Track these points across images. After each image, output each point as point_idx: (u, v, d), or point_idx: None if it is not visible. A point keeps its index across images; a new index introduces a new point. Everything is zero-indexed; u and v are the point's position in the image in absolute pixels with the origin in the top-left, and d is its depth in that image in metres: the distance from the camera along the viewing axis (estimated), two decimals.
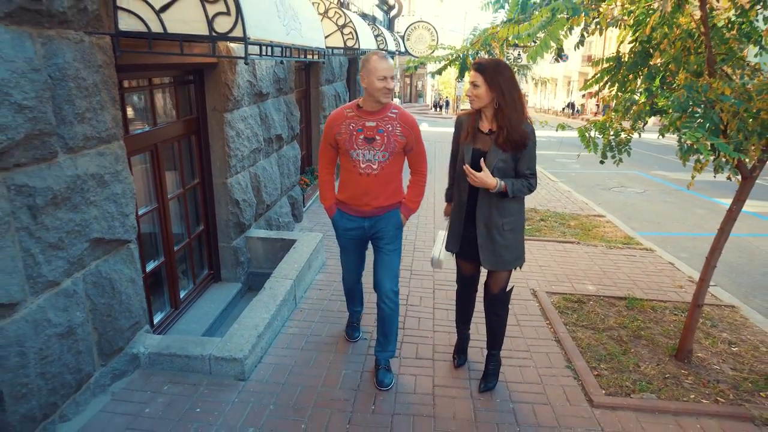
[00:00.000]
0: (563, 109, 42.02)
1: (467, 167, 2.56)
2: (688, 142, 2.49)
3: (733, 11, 2.79)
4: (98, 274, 2.71)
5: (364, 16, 10.57)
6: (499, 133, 2.58)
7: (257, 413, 2.68)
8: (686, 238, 7.07)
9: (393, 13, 16.06)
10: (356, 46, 6.14)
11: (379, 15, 13.83)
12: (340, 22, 6.05)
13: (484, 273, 2.96)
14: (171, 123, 3.83)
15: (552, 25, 2.36)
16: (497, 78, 2.52)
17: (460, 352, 3.28)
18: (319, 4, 6.03)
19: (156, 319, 3.69)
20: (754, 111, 2.78)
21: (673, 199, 9.74)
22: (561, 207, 7.96)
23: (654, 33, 3.05)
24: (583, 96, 33.18)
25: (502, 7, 3.75)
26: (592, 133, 3.75)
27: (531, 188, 2.65)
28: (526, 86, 46.90)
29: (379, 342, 3.08)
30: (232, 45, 3.94)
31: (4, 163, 2.08)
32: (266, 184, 5.20)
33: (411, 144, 2.89)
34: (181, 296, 4.08)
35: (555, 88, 47.39)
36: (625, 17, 3.21)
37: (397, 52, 13.11)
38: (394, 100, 21.22)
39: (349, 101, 6.69)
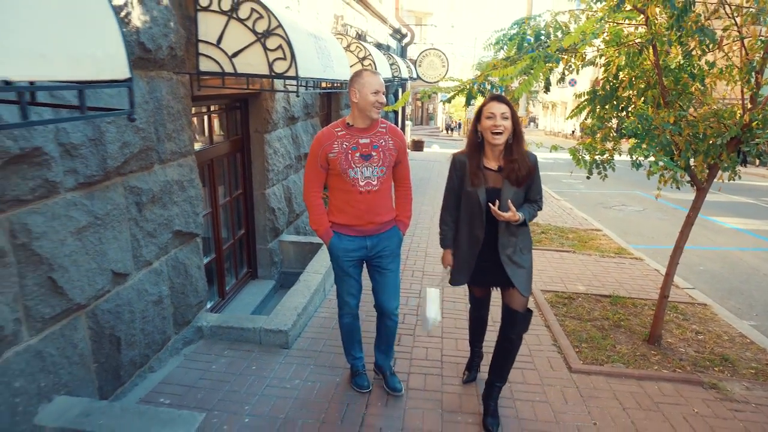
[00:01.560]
0: (573, 132, 42.74)
1: (495, 210, 2.54)
2: (641, 158, 3.19)
3: (680, 57, 3.51)
4: (176, 259, 3.44)
5: (379, 46, 11.45)
6: (512, 168, 2.62)
7: (300, 370, 3.37)
8: None
9: (405, 41, 17.00)
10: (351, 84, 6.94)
11: (393, 44, 14.74)
12: (361, 55, 6.87)
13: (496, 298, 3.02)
14: (222, 142, 4.60)
15: (533, 69, 3.09)
16: (515, 111, 2.60)
17: (472, 369, 3.32)
18: (342, 39, 6.86)
19: (207, 306, 4.41)
20: (701, 135, 3.50)
21: (668, 216, 10.36)
22: (561, 222, 8.62)
23: (620, 72, 3.78)
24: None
25: (502, 48, 4.50)
26: (582, 153, 4.43)
27: (540, 209, 2.78)
28: (534, 109, 47.77)
29: (382, 351, 3.20)
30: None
31: (123, 170, 2.83)
32: (296, 195, 5.95)
33: (400, 156, 2.91)
34: (227, 289, 4.80)
35: (564, 111, 48.20)
36: (598, 59, 3.94)
37: (410, 78, 13.98)
38: (407, 122, 21.99)
39: None
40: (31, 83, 1.28)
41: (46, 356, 2.34)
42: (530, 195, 2.73)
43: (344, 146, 2.74)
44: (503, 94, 5.29)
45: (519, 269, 2.72)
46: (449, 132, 41.67)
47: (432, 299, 2.98)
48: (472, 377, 3.30)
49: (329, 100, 8.54)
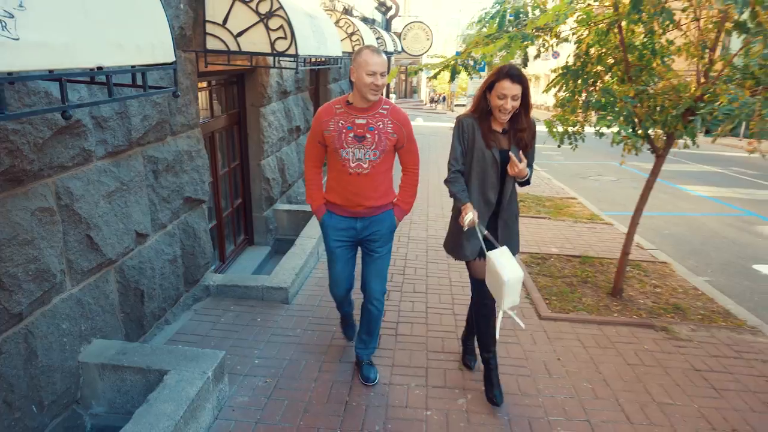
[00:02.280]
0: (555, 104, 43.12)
1: (513, 158, 2.52)
2: (605, 128, 3.59)
3: (642, 35, 3.89)
4: (186, 223, 3.78)
5: (365, 20, 11.61)
6: (519, 137, 2.66)
7: (300, 322, 3.77)
8: (644, 217, 8.04)
9: (390, 13, 17.08)
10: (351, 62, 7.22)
11: (378, 17, 14.86)
12: (349, 30, 7.12)
13: None
14: (221, 116, 4.89)
15: (509, 49, 3.44)
16: (528, 87, 2.59)
17: (494, 385, 2.92)
18: (331, 14, 7.09)
19: (212, 268, 4.77)
20: (659, 107, 3.90)
21: (641, 185, 10.83)
22: (539, 191, 9.07)
23: (590, 49, 4.14)
24: None
25: (484, 26, 4.82)
26: (556, 125, 4.82)
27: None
28: None
29: (362, 340, 3.11)
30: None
31: (143, 141, 3.15)
32: (288, 166, 6.28)
33: (402, 141, 2.78)
34: (227, 254, 5.15)
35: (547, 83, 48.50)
36: (571, 37, 4.29)
37: (395, 52, 14.17)
38: (391, 96, 22.15)
39: None
40: (100, 68, 1.61)
41: (85, 304, 2.69)
42: (528, 160, 2.70)
43: (340, 124, 2.67)
44: (483, 70, 5.62)
45: (513, 234, 2.81)
46: (434, 105, 41.83)
47: (501, 259, 2.55)
48: (498, 397, 2.88)
49: (317, 74, 8.78)
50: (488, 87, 2.60)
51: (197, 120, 3.85)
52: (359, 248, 3.00)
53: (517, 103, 2.55)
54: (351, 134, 2.67)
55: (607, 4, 3.76)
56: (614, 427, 2.73)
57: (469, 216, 2.55)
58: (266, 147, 5.53)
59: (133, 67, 1.71)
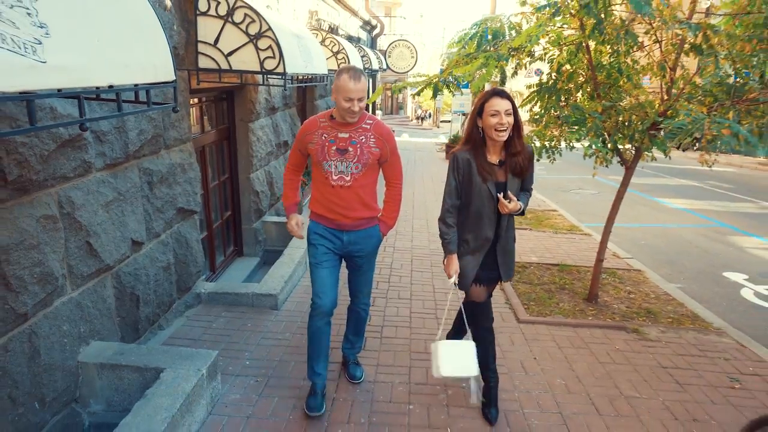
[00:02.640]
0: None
1: (503, 200, 2.55)
2: (574, 141, 3.84)
3: (609, 55, 4.16)
4: (179, 233, 3.94)
5: (350, 38, 11.92)
6: (514, 161, 2.61)
7: (290, 326, 3.92)
8: (623, 228, 8.45)
9: (375, 32, 17.47)
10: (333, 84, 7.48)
11: (363, 35, 15.21)
12: (335, 49, 7.38)
13: None
14: (212, 131, 5.08)
15: (486, 68, 3.68)
16: (515, 104, 2.57)
17: (492, 405, 2.94)
18: (317, 34, 7.34)
19: (203, 277, 4.91)
20: (626, 122, 4.16)
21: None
22: None
23: (561, 68, 4.41)
24: None
25: (464, 47, 5.08)
26: (534, 140, 5.06)
27: (530, 196, 2.83)
28: None
29: (349, 341, 3.26)
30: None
31: (138, 154, 3.32)
32: (277, 179, 6.46)
33: (386, 156, 2.82)
34: (217, 264, 5.30)
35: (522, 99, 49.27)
36: (545, 57, 4.56)
37: (380, 69, 14.49)
38: (377, 113, 22.50)
39: None
40: (110, 86, 1.79)
41: (84, 307, 2.84)
42: (525, 184, 2.74)
43: (323, 138, 2.73)
44: (466, 87, 5.85)
45: (508, 259, 2.80)
46: (420, 122, 42.36)
47: (439, 355, 2.69)
48: (494, 415, 2.90)
49: (304, 91, 9.02)
50: (478, 113, 2.59)
51: (189, 134, 4.03)
52: (343, 261, 3.01)
53: (511, 119, 2.51)
54: (334, 147, 2.72)
55: (574, 26, 4.02)
56: (584, 419, 2.92)
57: (452, 279, 2.68)
58: (255, 161, 5.71)
59: (136, 85, 1.90)
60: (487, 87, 4.55)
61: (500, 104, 2.50)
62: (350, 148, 2.73)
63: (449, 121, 26.93)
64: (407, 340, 3.79)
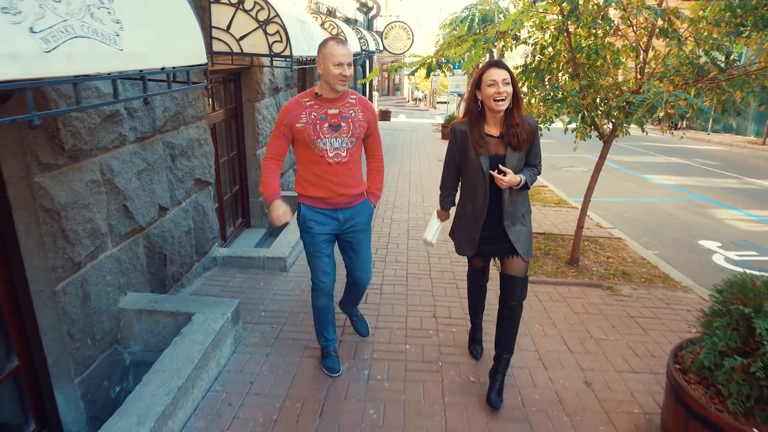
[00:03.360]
0: None
1: (496, 175, 2.54)
2: (554, 117, 4.24)
3: (586, 38, 4.54)
4: (196, 201, 4.35)
5: (347, 20, 12.20)
6: (513, 133, 2.58)
7: (298, 284, 4.37)
8: (609, 202, 8.91)
9: (372, 13, 17.66)
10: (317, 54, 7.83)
11: (360, 17, 15.44)
12: (334, 32, 7.71)
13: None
14: (221, 110, 5.46)
15: (474, 49, 4.07)
16: (513, 75, 2.55)
17: (477, 343, 3.37)
18: (317, 17, 7.67)
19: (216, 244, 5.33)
20: (603, 100, 4.56)
21: (610, 176, 11.60)
22: None
23: (544, 50, 4.79)
24: None
25: (455, 29, 5.45)
26: None
27: (539, 173, 2.78)
28: None
29: (350, 303, 3.44)
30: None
31: (163, 129, 3.72)
32: None
33: (371, 129, 2.88)
34: (227, 234, 5.72)
35: None
36: (529, 40, 4.93)
37: (377, 50, 14.77)
38: (374, 93, 22.66)
39: None
40: (162, 68, 2.19)
41: (122, 262, 3.26)
42: (530, 159, 2.71)
43: (312, 116, 2.69)
44: (458, 68, 6.22)
45: (521, 236, 2.74)
46: (417, 102, 42.57)
47: (431, 225, 3.09)
48: (480, 351, 3.32)
49: (304, 73, 9.35)
50: (476, 85, 2.59)
51: (204, 112, 4.42)
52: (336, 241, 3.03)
53: (509, 89, 2.50)
54: (326, 125, 2.70)
55: (553, 12, 4.40)
56: (557, 355, 3.38)
57: (432, 216, 3.08)
58: (261, 138, 6.10)
59: (174, 67, 2.30)
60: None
61: (497, 74, 2.48)
62: (343, 124, 2.73)
63: (446, 102, 27.23)
64: (404, 295, 4.24)
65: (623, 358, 3.38)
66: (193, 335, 2.92)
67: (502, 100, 2.50)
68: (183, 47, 2.24)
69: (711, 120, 22.98)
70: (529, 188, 2.69)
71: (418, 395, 2.93)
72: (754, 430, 1.88)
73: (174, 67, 2.30)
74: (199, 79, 3.37)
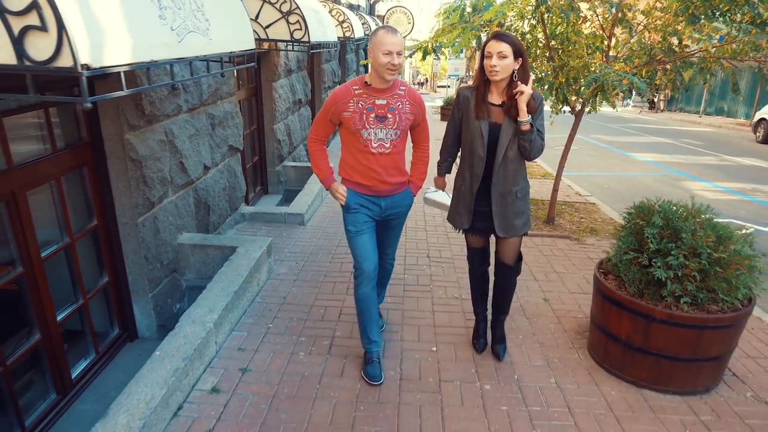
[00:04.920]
0: None
1: (520, 85, 2.54)
2: None
3: (558, 26, 5.33)
4: (229, 165, 5.19)
5: (350, 6, 12.91)
6: (512, 105, 2.59)
7: (314, 235, 5.22)
8: (593, 176, 9.74)
9: None
10: (352, 36, 8.59)
11: (362, 2, 16.11)
12: (341, 18, 8.48)
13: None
14: (244, 89, 6.27)
15: (462, 36, 4.86)
16: (521, 48, 2.53)
17: (480, 336, 3.27)
18: (325, 5, 8.43)
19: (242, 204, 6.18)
20: (573, 79, 5.35)
21: (597, 153, 12.43)
22: None
23: (524, 36, 5.58)
24: None
25: (448, 17, 6.22)
26: None
27: (540, 143, 2.69)
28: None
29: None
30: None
31: (206, 102, 4.53)
32: (293, 131, 7.67)
33: (418, 120, 2.87)
34: (250, 197, 6.57)
35: None
36: (511, 27, 5.71)
37: None
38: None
39: (341, 76, 8.91)
40: (231, 52, 3.00)
41: (179, 207, 4.11)
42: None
43: (360, 106, 2.69)
44: (463, 52, 7.00)
45: (505, 212, 2.79)
46: (419, 86, 43.19)
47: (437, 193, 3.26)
48: (482, 345, 3.25)
49: (312, 56, 10.13)
50: (482, 55, 2.63)
51: (234, 90, 5.24)
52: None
53: (505, 62, 2.51)
54: (372, 115, 2.69)
55: (529, 4, 5.18)
56: (525, 283, 4.23)
57: (431, 189, 3.24)
58: (277, 114, 6.92)
59: (231, 52, 3.11)
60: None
61: (493, 46, 2.51)
62: (389, 115, 2.72)
63: (447, 86, 27.88)
64: (428, 287, 5.10)
65: (577, 284, 4.24)
66: (240, 260, 3.78)
67: (496, 72, 2.53)
68: (241, 37, 3.05)
69: (703, 102, 23.77)
70: (531, 145, 2.63)
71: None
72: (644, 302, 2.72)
73: (231, 52, 3.12)
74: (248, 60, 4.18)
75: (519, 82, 2.57)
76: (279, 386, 2.81)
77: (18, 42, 1.52)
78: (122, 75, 1.87)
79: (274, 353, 3.12)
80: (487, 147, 2.69)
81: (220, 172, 4.90)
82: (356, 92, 2.73)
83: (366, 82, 2.73)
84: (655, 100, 26.76)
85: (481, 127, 2.68)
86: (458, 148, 2.97)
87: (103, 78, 2.68)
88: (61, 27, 1.50)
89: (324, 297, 3.86)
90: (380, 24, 17.26)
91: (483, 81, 2.69)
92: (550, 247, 5.15)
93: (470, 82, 3.12)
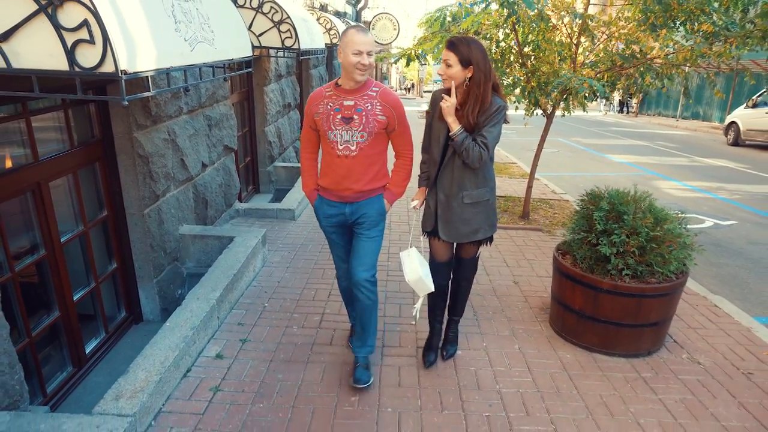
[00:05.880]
0: None
1: (444, 96, 2.57)
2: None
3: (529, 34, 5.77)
4: (223, 164, 5.55)
5: (337, 14, 13.32)
6: (463, 111, 2.58)
7: (304, 228, 5.60)
8: (569, 176, 10.22)
9: (360, 6, 18.75)
10: (338, 42, 9.01)
11: (349, 9, 16.54)
12: (328, 26, 8.88)
13: None
14: (237, 92, 6.64)
15: (442, 44, 5.27)
16: (470, 55, 2.48)
17: (431, 349, 3.15)
18: (313, 13, 8.83)
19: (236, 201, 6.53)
20: (544, 83, 5.80)
21: (575, 155, 12.96)
22: None
23: (499, 44, 6.02)
24: None
25: (430, 27, 6.65)
26: None
27: (479, 151, 2.57)
28: None
29: (357, 335, 3.01)
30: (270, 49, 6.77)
31: (204, 105, 4.90)
32: (283, 134, 8.05)
33: (393, 124, 2.74)
34: (243, 196, 6.92)
35: None
36: (486, 36, 6.15)
37: None
38: None
39: (328, 81, 9.26)
40: (231, 59, 3.38)
41: (180, 201, 4.46)
42: (474, 133, 2.63)
43: (329, 107, 2.66)
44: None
45: (448, 215, 2.78)
46: (406, 92, 43.79)
47: (407, 262, 2.86)
48: (431, 359, 3.11)
49: (301, 62, 10.52)
50: None
51: (228, 93, 5.61)
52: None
53: (451, 71, 2.53)
54: (338, 116, 2.64)
55: (502, 14, 5.62)
56: (497, 269, 4.64)
57: (414, 203, 2.93)
58: (268, 117, 7.29)
59: (232, 59, 3.49)
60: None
61: (444, 54, 2.57)
62: (355, 116, 2.64)
63: (431, 91, 28.51)
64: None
65: (545, 270, 4.66)
66: (237, 248, 4.14)
67: (444, 79, 2.60)
68: (240, 45, 3.43)
69: (680, 106, 24.56)
70: (465, 153, 2.58)
71: None
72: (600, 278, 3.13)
73: (234, 58, 3.50)
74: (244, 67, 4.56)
75: (444, 96, 2.61)
76: (275, 353, 3.18)
77: (70, 52, 1.90)
78: (149, 79, 2.25)
79: (270, 327, 3.50)
80: (441, 150, 2.74)
81: (216, 170, 5.26)
82: (327, 94, 2.72)
83: (337, 84, 2.71)
84: (633, 103, 27.71)
85: (440, 129, 2.74)
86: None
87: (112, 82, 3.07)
88: (105, 40, 1.87)
89: (314, 281, 4.24)
90: None
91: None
92: (523, 238, 5.57)
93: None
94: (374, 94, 2.69)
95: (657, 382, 3.01)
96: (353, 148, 2.68)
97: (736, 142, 15.09)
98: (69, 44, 1.88)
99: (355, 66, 2.54)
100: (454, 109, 2.58)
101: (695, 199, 8.49)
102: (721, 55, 4.79)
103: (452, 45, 2.54)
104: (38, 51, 1.90)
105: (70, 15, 1.88)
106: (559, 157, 12.52)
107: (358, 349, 3.00)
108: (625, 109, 28.68)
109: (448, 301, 3.21)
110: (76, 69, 1.91)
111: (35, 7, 1.86)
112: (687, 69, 5.50)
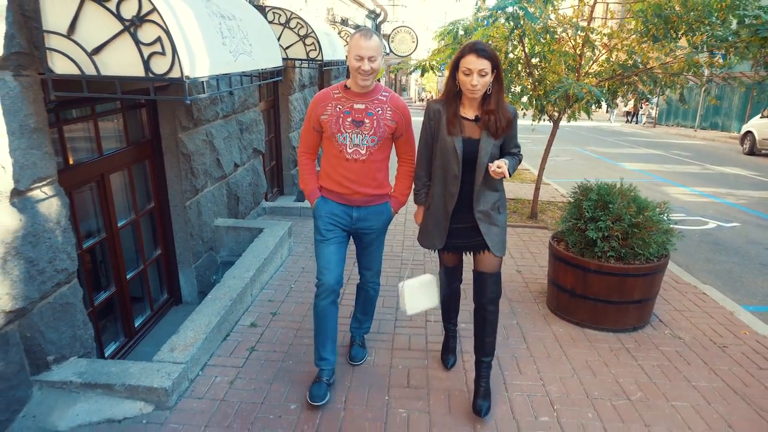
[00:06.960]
0: None
1: (494, 169, 2.37)
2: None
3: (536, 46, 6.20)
4: (253, 165, 6.07)
5: (357, 27, 13.91)
6: (490, 119, 2.46)
7: None
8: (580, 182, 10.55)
9: (379, 19, 19.37)
10: None
11: (369, 23, 17.16)
12: (348, 39, 9.43)
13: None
14: (264, 101, 7.18)
15: (453, 55, 5.73)
16: (499, 64, 2.41)
17: (450, 352, 3.17)
18: (334, 27, 9.38)
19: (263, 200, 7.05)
20: (550, 91, 6.21)
21: (588, 163, 13.27)
22: None
23: (508, 55, 6.45)
24: None
25: (443, 39, 7.12)
26: None
27: (520, 161, 2.66)
28: None
29: (357, 320, 3.20)
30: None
31: (237, 110, 5.42)
32: None
33: (401, 130, 2.74)
34: (269, 197, 7.44)
35: None
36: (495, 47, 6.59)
37: (385, 53, 16.45)
38: None
39: None
40: (264, 69, 3.88)
41: (215, 197, 4.97)
42: (507, 147, 2.61)
43: (337, 109, 2.63)
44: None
45: (493, 227, 2.60)
46: (424, 102, 44.48)
47: (406, 295, 2.89)
48: (452, 361, 3.14)
49: (323, 73, 11.09)
50: (454, 66, 2.46)
51: (257, 101, 6.14)
52: (350, 238, 2.92)
53: (485, 80, 2.38)
54: (349, 119, 2.62)
55: (510, 26, 6.07)
56: (504, 260, 5.03)
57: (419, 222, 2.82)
58: (292, 124, 7.82)
59: (265, 69, 4.00)
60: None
61: (474, 63, 2.34)
62: (366, 120, 2.63)
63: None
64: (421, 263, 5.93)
65: (547, 261, 5.04)
66: (266, 238, 4.63)
67: (477, 90, 2.40)
68: (272, 57, 3.94)
69: (698, 116, 24.63)
70: (509, 175, 2.46)
71: None
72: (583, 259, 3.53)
73: (267, 68, 4.01)
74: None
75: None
76: (302, 323, 3.64)
77: (146, 62, 2.39)
78: (204, 84, 2.75)
79: (296, 304, 3.96)
80: (462, 164, 2.52)
81: (246, 170, 5.78)
82: (335, 96, 2.68)
83: (345, 86, 2.68)
84: (642, 113, 27.92)
85: (455, 143, 2.51)
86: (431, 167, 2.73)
87: (164, 88, 3.59)
88: (174, 52, 2.37)
89: None
90: (385, 43, 18.30)
91: (455, 94, 2.54)
92: (529, 235, 5.96)
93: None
94: (384, 98, 2.70)
95: (638, 351, 3.38)
96: (363, 151, 2.67)
97: (752, 151, 15.24)
98: (146, 55, 2.38)
99: (356, 71, 2.54)
100: (505, 168, 2.39)
101: (702, 203, 8.76)
102: (712, 65, 5.15)
103: (484, 52, 2.36)
104: (121, 61, 2.40)
105: (147, 33, 2.38)
106: (572, 165, 12.85)
107: (356, 330, 3.27)
108: (635, 119, 28.76)
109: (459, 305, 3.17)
110: (150, 75, 2.40)
111: (120, 27, 2.36)
112: (685, 77, 5.86)
